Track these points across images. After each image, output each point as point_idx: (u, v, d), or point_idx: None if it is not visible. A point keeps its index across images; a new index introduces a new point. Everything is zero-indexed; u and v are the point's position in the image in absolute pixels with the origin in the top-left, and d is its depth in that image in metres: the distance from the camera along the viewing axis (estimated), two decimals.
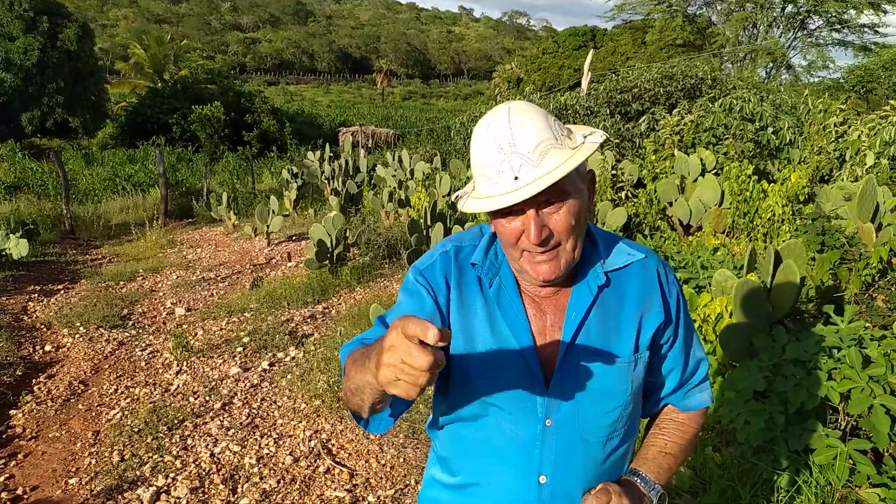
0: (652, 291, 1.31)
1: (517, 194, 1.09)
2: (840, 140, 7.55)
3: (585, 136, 1.15)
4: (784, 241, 5.51)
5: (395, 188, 10.70)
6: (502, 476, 1.30)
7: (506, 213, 1.16)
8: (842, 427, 2.82)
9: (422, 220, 7.09)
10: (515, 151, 1.10)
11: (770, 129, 8.49)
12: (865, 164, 6.50)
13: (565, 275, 1.22)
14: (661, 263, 1.36)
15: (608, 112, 11.36)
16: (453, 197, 1.25)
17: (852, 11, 25.79)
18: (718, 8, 29.11)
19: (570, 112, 11.24)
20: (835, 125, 7.75)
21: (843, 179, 6.68)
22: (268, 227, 10.22)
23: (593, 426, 1.28)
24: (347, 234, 7.86)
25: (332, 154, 13.99)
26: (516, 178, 1.10)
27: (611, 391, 1.28)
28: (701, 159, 7.30)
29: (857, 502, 2.65)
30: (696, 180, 7.15)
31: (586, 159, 1.13)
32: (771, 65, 26.42)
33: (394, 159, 12.79)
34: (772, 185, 6.55)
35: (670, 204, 7.17)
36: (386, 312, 1.34)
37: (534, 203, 1.12)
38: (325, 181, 13.25)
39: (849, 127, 7.62)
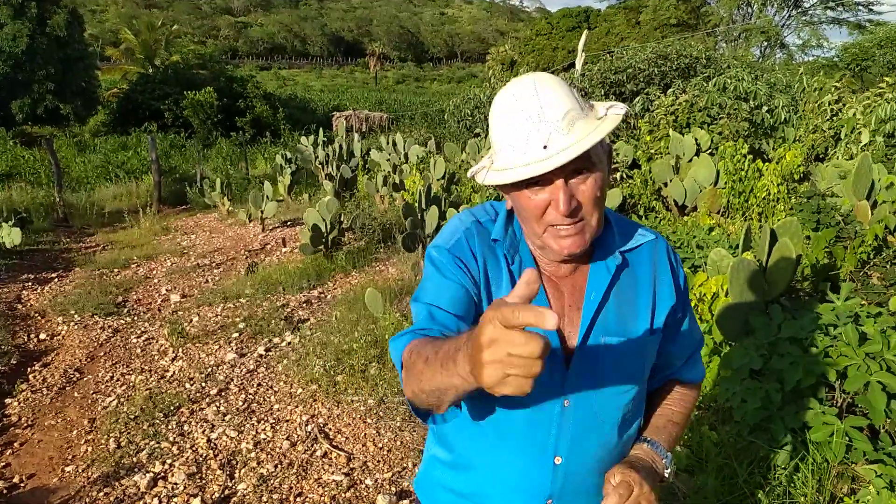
0: (663, 271, 1.33)
1: (549, 162, 1.07)
2: (835, 118, 7.52)
3: (608, 109, 1.14)
4: (779, 220, 5.51)
5: (389, 172, 10.64)
6: (516, 457, 1.29)
7: (531, 185, 1.13)
8: (838, 404, 2.82)
9: (416, 204, 7.05)
10: (544, 120, 1.08)
11: (765, 108, 8.46)
12: (860, 142, 6.48)
13: (587, 247, 1.21)
14: (669, 246, 1.38)
15: (603, 93, 11.30)
16: (470, 173, 1.22)
17: None
18: None
19: None
20: (830, 103, 7.73)
21: (838, 157, 6.66)
22: (262, 212, 10.16)
23: (610, 406, 1.29)
24: (342, 219, 7.82)
25: (325, 139, 13.89)
26: (545, 147, 1.08)
27: (628, 371, 1.29)
28: (696, 139, 7.27)
29: (854, 479, 2.66)
30: (691, 160, 7.12)
31: (610, 131, 1.12)
32: (765, 44, 26.32)
33: (388, 143, 12.70)
34: (767, 164, 6.53)
35: (665, 184, 7.15)
36: (422, 294, 1.26)
37: (563, 172, 1.10)
38: (319, 166, 13.17)
39: (844, 105, 7.59)
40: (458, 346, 0.91)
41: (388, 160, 11.54)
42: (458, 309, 1.21)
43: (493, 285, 1.25)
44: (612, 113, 1.13)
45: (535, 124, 1.08)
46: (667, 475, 1.32)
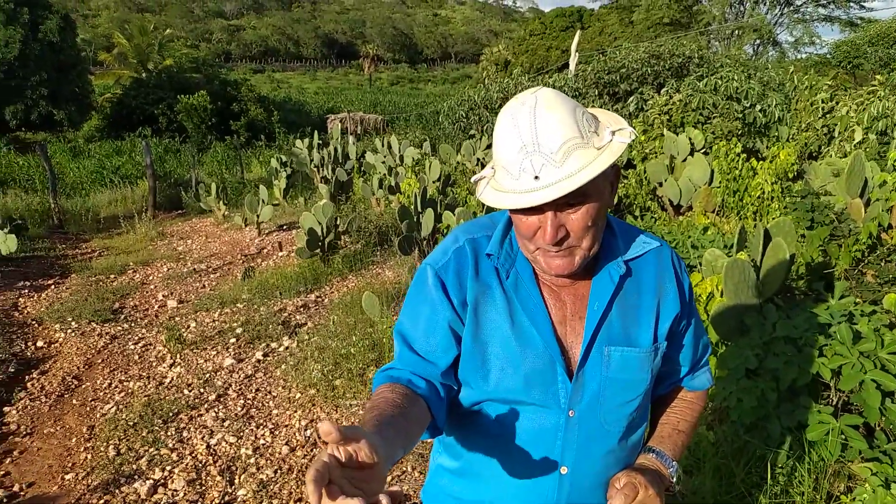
0: (667, 279, 1.31)
1: (536, 195, 1.06)
2: (828, 116, 7.57)
3: (613, 133, 1.10)
4: (774, 218, 5.53)
5: (384, 175, 10.66)
6: (522, 467, 1.29)
7: (523, 209, 1.13)
8: (833, 403, 2.84)
9: (412, 207, 7.07)
10: (538, 150, 1.06)
11: (757, 107, 8.50)
12: (854, 140, 6.52)
13: (579, 270, 1.20)
14: (674, 252, 1.36)
15: (597, 93, 11.33)
16: (473, 179, 1.22)
17: None
18: None
19: None
20: (822, 101, 7.77)
21: (831, 155, 6.70)
22: (258, 216, 10.16)
23: (615, 416, 1.28)
24: (338, 222, 7.83)
25: (320, 141, 13.88)
26: (537, 178, 1.07)
27: (632, 381, 1.28)
28: (690, 139, 7.30)
29: (850, 477, 2.68)
30: (685, 160, 7.15)
31: (609, 165, 1.08)
32: (758, 42, 26.41)
33: (383, 145, 12.72)
34: (761, 162, 6.56)
35: (660, 184, 7.18)
36: (401, 321, 1.31)
37: (553, 204, 1.09)
38: (315, 169, 13.17)
39: (836, 103, 7.64)
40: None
41: (384, 162, 11.55)
42: (427, 346, 1.26)
43: (486, 303, 1.25)
44: (616, 140, 1.10)
45: (529, 154, 1.07)
46: (673, 483, 1.33)
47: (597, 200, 1.13)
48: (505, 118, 1.11)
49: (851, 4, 26.85)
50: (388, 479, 3.42)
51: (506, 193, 1.11)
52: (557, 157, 1.06)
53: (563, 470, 1.28)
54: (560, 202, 1.09)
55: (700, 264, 4.02)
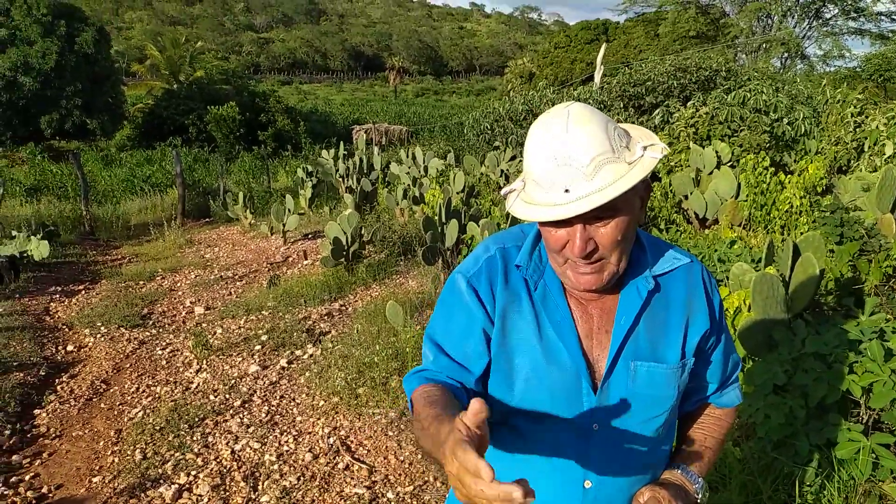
0: (697, 296, 1.30)
1: (566, 208, 1.07)
2: (858, 130, 7.46)
3: (645, 148, 1.11)
4: (802, 233, 5.46)
5: (409, 185, 10.71)
6: (546, 481, 1.28)
7: (553, 222, 1.14)
8: (864, 421, 2.79)
9: (436, 217, 7.09)
10: (569, 164, 1.07)
11: (785, 121, 8.41)
12: (884, 154, 6.42)
13: (608, 286, 1.20)
14: (705, 268, 1.35)
15: (622, 105, 11.29)
16: (503, 192, 1.23)
17: None
18: None
19: None
20: (852, 115, 7.67)
21: (861, 170, 6.60)
22: (284, 225, 10.27)
23: (640, 431, 1.28)
24: (362, 232, 7.88)
25: (346, 152, 14.01)
26: (567, 191, 1.07)
27: (658, 397, 1.27)
28: (716, 151, 7.24)
29: (881, 497, 2.63)
30: (711, 173, 7.10)
31: (640, 180, 1.08)
32: (786, 55, 26.15)
33: (407, 156, 12.80)
34: (789, 176, 6.49)
35: (686, 197, 7.13)
36: (433, 328, 1.31)
37: (582, 217, 1.10)
38: (340, 179, 13.29)
39: (867, 116, 7.53)
40: (444, 440, 0.93)
41: (408, 173, 11.61)
42: (462, 352, 1.26)
43: (513, 313, 1.25)
44: (648, 155, 1.11)
45: (560, 167, 1.08)
46: (699, 501, 1.31)
47: (626, 215, 1.14)
48: (536, 131, 1.12)
49: (882, 17, 26.50)
50: (411, 488, 3.43)
51: (536, 206, 1.12)
52: (588, 171, 1.07)
53: (587, 484, 1.27)
54: (589, 216, 1.10)
55: (727, 278, 3.98)
